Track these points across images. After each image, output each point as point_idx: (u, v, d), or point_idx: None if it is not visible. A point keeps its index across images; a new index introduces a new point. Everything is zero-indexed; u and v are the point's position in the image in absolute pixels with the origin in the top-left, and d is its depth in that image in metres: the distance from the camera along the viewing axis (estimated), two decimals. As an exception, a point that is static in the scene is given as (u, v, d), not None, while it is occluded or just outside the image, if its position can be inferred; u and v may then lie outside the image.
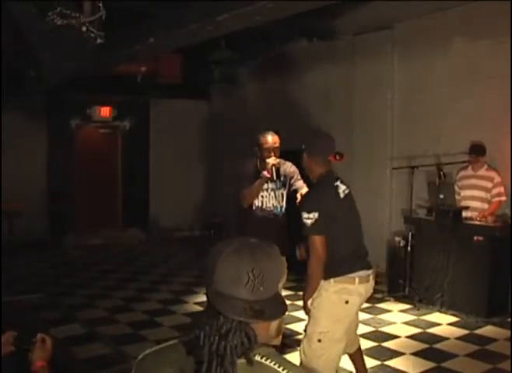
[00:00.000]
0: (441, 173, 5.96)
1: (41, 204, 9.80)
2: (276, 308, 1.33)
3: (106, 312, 5.99)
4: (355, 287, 3.19)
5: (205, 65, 10.00)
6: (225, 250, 1.32)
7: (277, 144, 4.28)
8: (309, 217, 3.11)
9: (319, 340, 3.18)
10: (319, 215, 3.10)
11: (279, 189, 4.37)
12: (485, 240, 5.57)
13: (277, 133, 4.40)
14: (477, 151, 5.95)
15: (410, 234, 6.34)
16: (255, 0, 2.84)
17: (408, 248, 6.29)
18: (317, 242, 3.13)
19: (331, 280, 3.18)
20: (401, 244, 6.51)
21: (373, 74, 7.71)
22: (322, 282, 3.20)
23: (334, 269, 3.18)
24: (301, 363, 3.29)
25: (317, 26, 8.09)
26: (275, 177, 4.17)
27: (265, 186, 4.30)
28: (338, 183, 3.35)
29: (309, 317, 3.33)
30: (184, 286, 7.12)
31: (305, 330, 3.34)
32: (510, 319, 5.52)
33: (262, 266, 1.29)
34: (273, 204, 4.36)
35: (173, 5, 3.78)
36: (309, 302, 3.27)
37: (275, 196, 4.36)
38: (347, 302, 3.19)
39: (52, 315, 5.83)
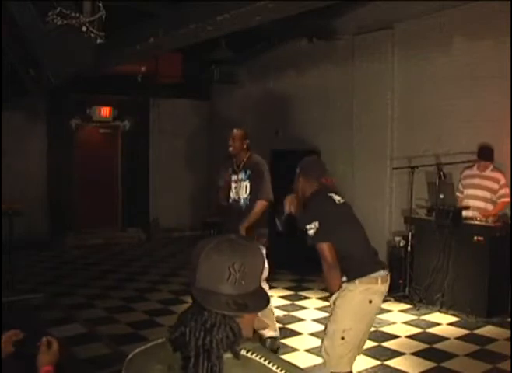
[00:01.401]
0: (441, 173, 5.96)
1: (41, 204, 9.80)
2: (259, 300, 1.36)
3: (106, 312, 5.99)
4: (379, 286, 3.28)
5: (205, 65, 10.00)
6: (205, 248, 1.35)
7: (236, 150, 4.83)
8: (311, 228, 3.24)
9: (342, 338, 3.23)
10: (319, 223, 3.22)
11: (244, 181, 4.73)
12: (485, 240, 5.58)
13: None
14: (485, 156, 5.94)
15: (410, 234, 6.34)
16: (255, 0, 2.84)
17: (408, 248, 6.29)
18: (324, 248, 3.22)
19: (356, 281, 3.25)
20: (401, 244, 6.51)
21: (373, 74, 7.71)
22: (346, 284, 3.28)
23: (357, 270, 3.27)
24: (324, 362, 3.36)
25: (317, 25, 8.09)
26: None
27: (234, 177, 4.78)
28: (331, 194, 3.50)
29: (330, 316, 3.38)
30: (183, 286, 7.12)
31: (325, 329, 3.39)
32: (510, 319, 5.52)
33: (243, 261, 1.32)
34: (238, 196, 4.74)
35: (174, 5, 3.78)
36: (331, 301, 3.35)
37: (240, 188, 4.74)
38: (371, 302, 3.27)
39: (52, 315, 5.83)
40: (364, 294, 3.24)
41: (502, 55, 6.15)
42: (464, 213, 5.96)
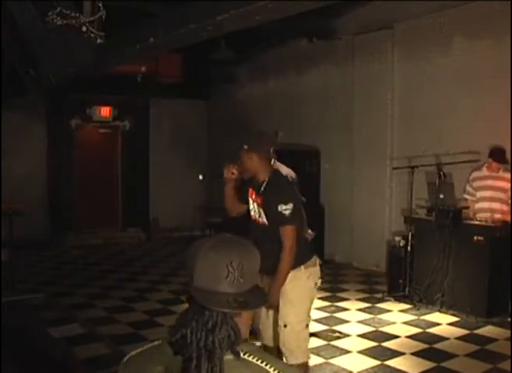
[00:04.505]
0: (441, 173, 5.95)
1: (41, 204, 9.80)
2: (257, 298, 1.37)
3: (106, 312, 5.99)
4: (318, 269, 3.33)
5: (205, 65, 10.01)
6: (202, 248, 1.34)
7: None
8: (287, 209, 3.15)
9: (307, 326, 3.28)
10: (293, 205, 3.17)
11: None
12: (485, 240, 5.57)
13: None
14: (498, 157, 5.86)
15: (410, 234, 6.34)
16: (255, 0, 2.84)
17: (408, 248, 6.29)
18: (293, 232, 3.18)
19: (302, 267, 3.24)
20: (401, 244, 6.51)
21: (373, 74, 7.71)
22: (292, 272, 3.22)
23: (302, 255, 3.25)
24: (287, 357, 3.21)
25: (317, 25, 8.10)
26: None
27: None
28: (286, 173, 3.37)
29: (283, 308, 3.25)
30: (183, 286, 7.10)
31: (285, 325, 3.22)
32: (510, 319, 5.52)
33: (240, 259, 1.32)
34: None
35: (174, 5, 3.78)
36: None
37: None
38: (316, 284, 3.33)
39: (52, 315, 5.83)
40: (311, 279, 3.27)
41: (502, 55, 6.16)
42: (480, 215, 5.91)
